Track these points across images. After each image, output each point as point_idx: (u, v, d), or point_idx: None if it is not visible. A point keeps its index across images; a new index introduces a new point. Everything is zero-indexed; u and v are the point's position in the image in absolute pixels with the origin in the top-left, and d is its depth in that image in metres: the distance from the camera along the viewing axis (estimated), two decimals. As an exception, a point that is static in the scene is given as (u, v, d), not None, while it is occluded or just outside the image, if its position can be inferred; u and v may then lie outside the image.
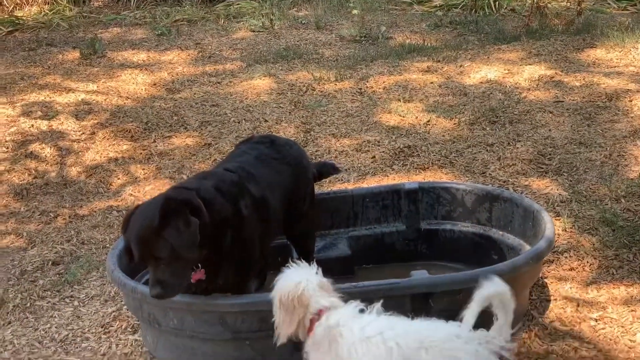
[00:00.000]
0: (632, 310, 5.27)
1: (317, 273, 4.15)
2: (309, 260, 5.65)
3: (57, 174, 8.10)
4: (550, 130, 8.24)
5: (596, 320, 5.22)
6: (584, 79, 9.66)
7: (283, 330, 4.08)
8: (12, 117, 9.41)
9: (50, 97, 10.06)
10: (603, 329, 5.12)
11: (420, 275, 4.81)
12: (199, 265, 4.57)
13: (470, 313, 3.86)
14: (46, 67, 11.62)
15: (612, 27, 11.91)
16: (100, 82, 10.74)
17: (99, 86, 10.58)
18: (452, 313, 4.13)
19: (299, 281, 4.06)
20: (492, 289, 3.81)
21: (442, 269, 5.52)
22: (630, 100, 8.88)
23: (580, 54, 10.73)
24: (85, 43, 12.71)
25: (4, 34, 13.77)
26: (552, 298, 5.47)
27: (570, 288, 5.57)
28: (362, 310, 4.08)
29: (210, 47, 12.60)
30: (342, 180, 7.39)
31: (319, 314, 4.04)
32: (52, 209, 7.41)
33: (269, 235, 5.24)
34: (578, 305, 5.36)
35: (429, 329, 3.91)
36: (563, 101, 9.05)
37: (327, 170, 6.16)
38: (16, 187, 7.87)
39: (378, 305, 4.10)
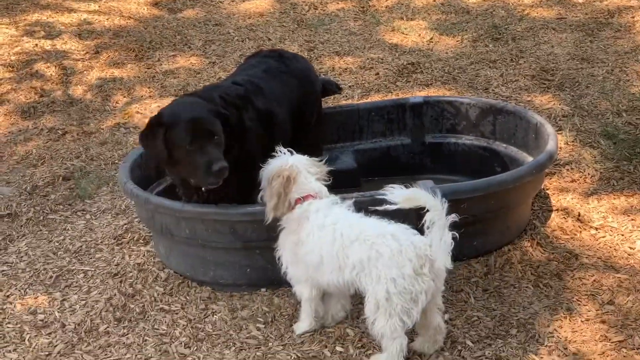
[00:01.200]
0: (632, 219, 5.42)
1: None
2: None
3: (63, 93, 8.18)
4: (552, 46, 8.30)
5: (596, 229, 5.36)
6: (586, -5, 9.69)
7: (270, 207, 4.35)
8: (15, 37, 9.44)
9: (52, 17, 10.07)
10: (603, 237, 5.28)
11: (425, 185, 4.92)
12: None
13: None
14: (47, -13, 11.60)
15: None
16: (101, 2, 10.71)
17: (100, 6, 10.57)
18: (455, 222, 4.27)
19: (288, 161, 4.36)
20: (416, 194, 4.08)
21: (446, 181, 5.59)
22: (633, 17, 8.91)
23: (583, -29, 10.71)
24: (85, -37, 12.64)
25: (2, -46, 13.69)
26: (554, 208, 5.61)
27: (572, 199, 5.70)
28: (336, 203, 4.36)
29: (211, -34, 12.55)
30: (346, 96, 7.47)
31: (305, 197, 4.30)
32: (59, 127, 7.51)
33: (274, 148, 5.32)
34: (579, 215, 5.50)
35: (372, 226, 4.19)
36: (566, 18, 9.07)
37: (331, 87, 6.20)
38: (23, 106, 7.96)
39: (350, 201, 4.41)
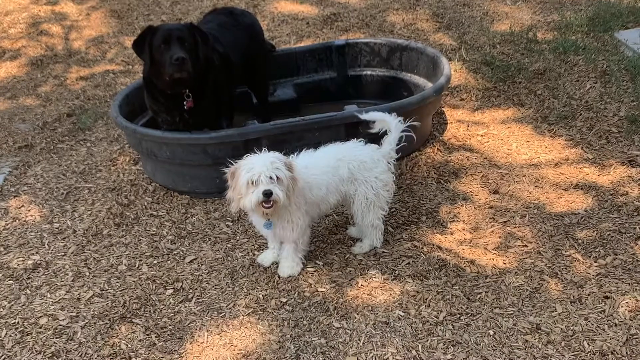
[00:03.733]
0: (508, 128, 5.30)
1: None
2: (265, 103, 5.61)
3: (63, 47, 7.76)
4: (440, -4, 8.08)
5: (482, 136, 5.24)
6: (464, -44, 9.43)
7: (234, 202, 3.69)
8: (23, 5, 8.91)
9: (51, -12, 9.56)
10: (487, 142, 5.15)
11: (351, 108, 4.75)
12: (190, 95, 4.54)
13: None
14: (45, -36, 10.99)
15: None
16: (89, -26, 10.21)
17: (88, -23, 10.06)
18: (374, 136, 4.12)
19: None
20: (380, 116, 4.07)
21: (366, 105, 5.41)
22: (500, -29, 8.71)
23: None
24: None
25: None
26: (448, 121, 5.46)
27: (462, 113, 5.56)
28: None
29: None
30: (284, 42, 7.20)
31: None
32: (61, 74, 7.13)
33: (233, 83, 5.13)
34: (468, 126, 5.37)
35: (341, 148, 4.00)
36: (449, -27, 8.84)
37: (268, 47, 5.96)
38: (32, 59, 7.53)
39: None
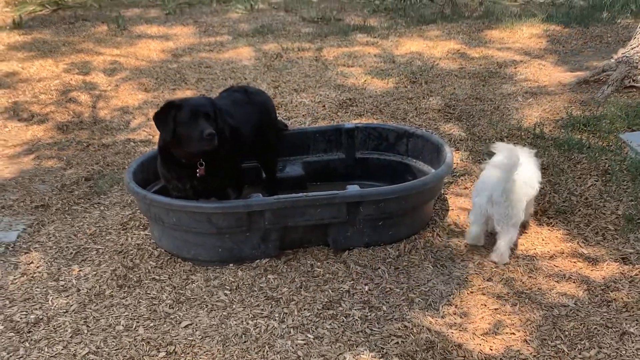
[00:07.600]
0: (507, 217, 5.37)
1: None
2: (273, 178, 5.75)
3: (90, 115, 8.02)
4: (454, 88, 8.25)
5: (481, 224, 5.30)
6: (481, 52, 9.68)
7: None
8: (56, 73, 9.26)
9: (85, 59, 9.89)
10: (486, 231, 5.22)
11: (353, 188, 4.87)
12: (203, 164, 4.70)
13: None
14: (82, 37, 11.39)
15: (505, 14, 11.97)
16: (122, 49, 10.58)
17: (121, 51, 10.42)
18: (375, 217, 4.21)
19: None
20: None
21: (371, 186, 5.52)
22: (515, 68, 8.91)
23: (480, 34, 10.70)
24: (111, 19, 12.53)
25: (50, 11, 13.48)
26: (450, 208, 5.54)
27: (464, 202, 5.64)
28: None
29: (205, 24, 12.45)
30: (300, 122, 7.39)
31: None
32: (85, 140, 7.34)
33: (242, 155, 5.28)
34: (469, 214, 5.44)
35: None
36: (465, 68, 9.06)
37: (281, 126, 6.14)
38: (59, 124, 7.77)
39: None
